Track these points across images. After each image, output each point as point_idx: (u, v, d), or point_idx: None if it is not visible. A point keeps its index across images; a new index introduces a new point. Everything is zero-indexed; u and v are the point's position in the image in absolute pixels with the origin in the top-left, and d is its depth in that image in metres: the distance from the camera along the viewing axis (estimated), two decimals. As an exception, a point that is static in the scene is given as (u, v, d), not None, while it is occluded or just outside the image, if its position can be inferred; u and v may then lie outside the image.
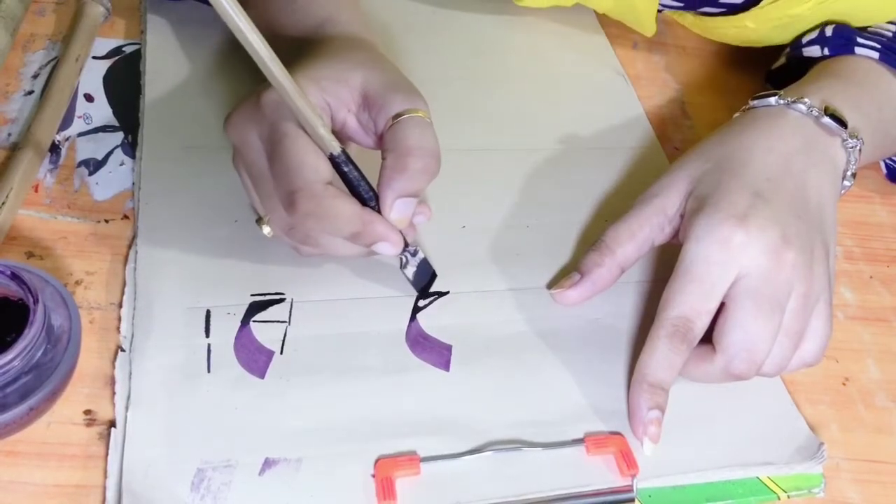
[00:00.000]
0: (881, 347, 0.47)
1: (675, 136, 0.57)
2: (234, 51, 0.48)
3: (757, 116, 0.47)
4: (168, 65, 0.53)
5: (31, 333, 0.34)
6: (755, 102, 0.48)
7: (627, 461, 0.38)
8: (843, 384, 0.45)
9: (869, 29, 0.54)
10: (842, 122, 0.46)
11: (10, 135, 0.48)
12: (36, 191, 0.45)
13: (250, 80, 0.48)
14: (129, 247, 0.43)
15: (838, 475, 0.41)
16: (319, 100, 0.40)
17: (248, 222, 0.45)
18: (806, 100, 0.46)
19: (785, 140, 0.45)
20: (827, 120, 0.46)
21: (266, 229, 0.41)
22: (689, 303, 0.40)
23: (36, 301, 0.35)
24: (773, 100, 0.47)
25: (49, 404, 0.36)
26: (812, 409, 0.43)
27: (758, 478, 0.39)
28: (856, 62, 0.52)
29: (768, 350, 0.40)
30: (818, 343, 0.41)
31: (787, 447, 0.41)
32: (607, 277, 0.44)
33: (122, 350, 0.39)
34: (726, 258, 0.40)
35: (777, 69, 0.59)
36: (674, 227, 0.44)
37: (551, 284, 0.46)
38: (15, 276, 0.35)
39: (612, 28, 0.65)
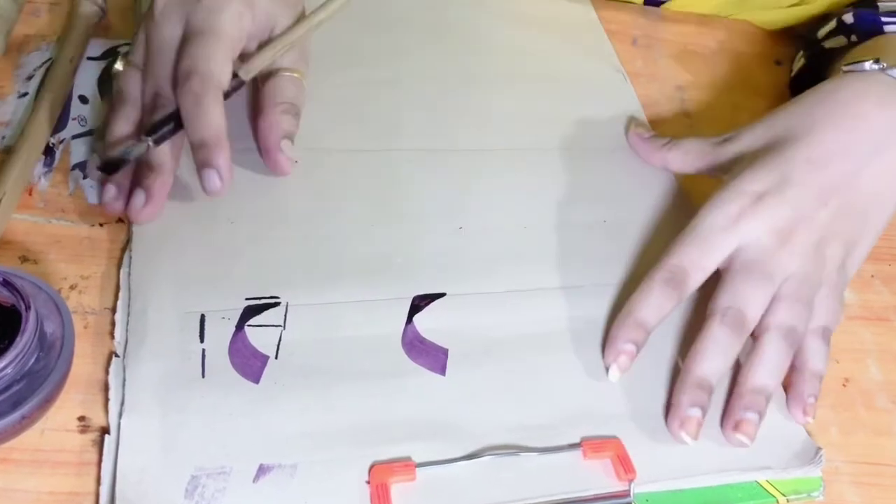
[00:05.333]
0: (882, 348, 0.47)
1: (674, 133, 0.57)
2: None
3: (848, 83, 0.45)
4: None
5: (23, 341, 0.34)
6: (847, 68, 0.46)
7: (625, 466, 0.38)
8: (844, 385, 0.45)
9: (880, 8, 0.53)
10: None
11: (3, 137, 0.47)
12: (30, 194, 0.45)
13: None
14: (124, 250, 0.43)
15: (838, 478, 0.41)
16: (248, 26, 0.45)
17: (243, 225, 0.45)
18: None
19: (876, 111, 0.43)
20: None
21: (119, 65, 0.46)
22: (688, 254, 0.42)
23: (28, 308, 0.35)
24: (867, 64, 0.46)
25: (42, 412, 0.36)
26: (812, 411, 0.43)
27: (756, 481, 0.39)
28: (892, 39, 0.51)
29: (758, 307, 0.40)
30: (828, 318, 0.42)
31: (785, 452, 0.40)
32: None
33: (116, 355, 0.39)
34: (730, 227, 0.42)
35: (798, 75, 0.58)
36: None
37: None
38: (6, 283, 0.35)
39: (613, 24, 0.64)
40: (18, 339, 0.34)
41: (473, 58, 0.59)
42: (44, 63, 0.52)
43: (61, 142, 0.48)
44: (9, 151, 0.46)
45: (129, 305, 0.41)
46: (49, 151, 0.47)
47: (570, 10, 0.65)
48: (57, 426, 0.37)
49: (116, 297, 0.41)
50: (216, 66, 0.42)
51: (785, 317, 0.41)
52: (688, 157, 0.50)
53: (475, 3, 0.63)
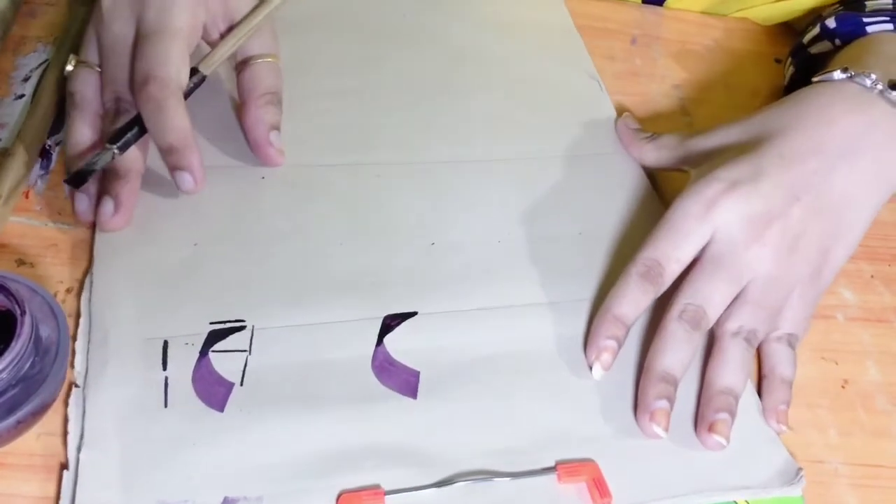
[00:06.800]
0: (881, 349, 0.47)
1: (672, 132, 0.56)
2: (223, 64, 0.47)
3: (819, 92, 0.46)
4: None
5: (19, 346, 0.34)
6: (818, 78, 0.47)
7: (600, 489, 0.36)
8: (843, 387, 0.45)
9: (867, 7, 0.53)
10: None
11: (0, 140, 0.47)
12: (27, 197, 0.45)
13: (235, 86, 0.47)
14: (84, 275, 0.42)
15: (836, 480, 0.41)
16: (202, 16, 0.45)
17: (207, 247, 0.44)
18: (872, 74, 0.45)
19: (846, 117, 0.44)
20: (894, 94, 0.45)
21: (71, 65, 0.45)
22: (662, 247, 0.42)
23: (23, 312, 0.34)
24: (836, 73, 0.46)
25: (37, 417, 0.36)
26: (810, 413, 0.43)
27: (735, 502, 0.38)
28: (875, 39, 0.51)
29: (719, 307, 0.41)
30: (795, 327, 0.42)
31: (764, 471, 0.39)
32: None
33: (76, 386, 0.37)
34: (703, 215, 0.41)
35: (790, 83, 0.58)
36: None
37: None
38: (1, 287, 0.35)
39: (612, 23, 0.64)
40: (13, 343, 0.34)
41: (446, 67, 0.57)
42: (40, 65, 0.52)
43: (58, 144, 0.48)
44: (5, 154, 0.46)
45: (89, 333, 0.39)
46: (45, 154, 0.47)
47: (547, 17, 0.63)
48: (53, 431, 0.36)
49: (77, 325, 0.40)
50: (172, 67, 0.42)
51: (747, 321, 0.41)
52: (661, 151, 0.50)
53: (449, 11, 0.61)
